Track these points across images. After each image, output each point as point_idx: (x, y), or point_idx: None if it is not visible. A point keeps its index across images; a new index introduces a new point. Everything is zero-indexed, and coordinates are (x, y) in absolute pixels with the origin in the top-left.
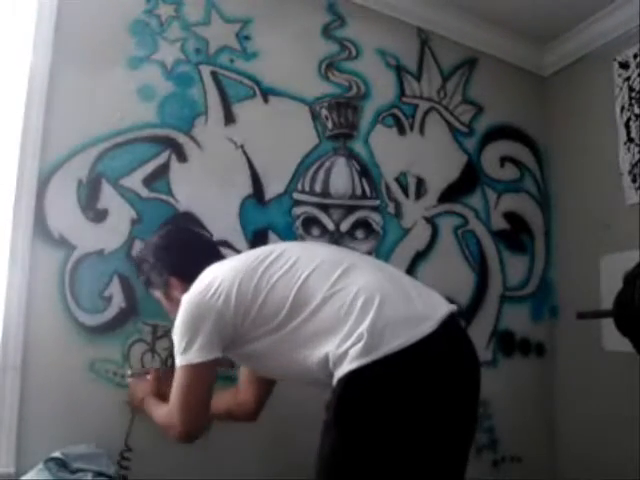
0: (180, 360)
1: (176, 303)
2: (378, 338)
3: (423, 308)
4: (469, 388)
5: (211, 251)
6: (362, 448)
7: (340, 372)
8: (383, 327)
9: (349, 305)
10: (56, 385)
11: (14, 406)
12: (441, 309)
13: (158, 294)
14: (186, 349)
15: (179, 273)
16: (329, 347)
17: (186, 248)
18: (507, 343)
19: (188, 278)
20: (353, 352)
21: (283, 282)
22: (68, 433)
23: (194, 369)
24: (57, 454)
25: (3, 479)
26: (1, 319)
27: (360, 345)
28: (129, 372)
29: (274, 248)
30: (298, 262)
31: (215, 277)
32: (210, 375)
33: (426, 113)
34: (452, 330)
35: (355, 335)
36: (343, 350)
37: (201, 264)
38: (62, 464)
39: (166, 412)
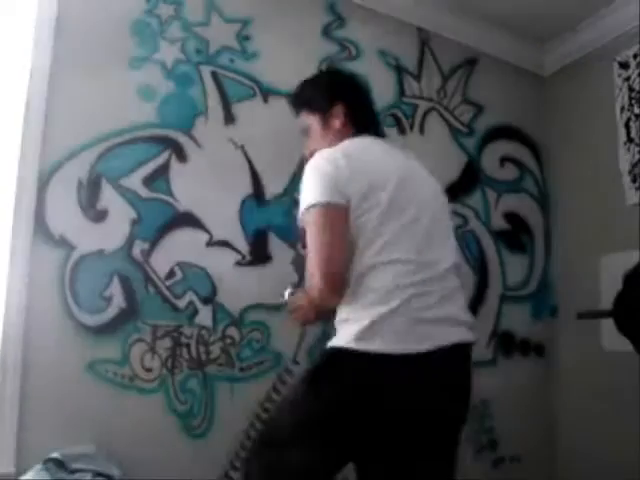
0: (304, 205)
1: (328, 134)
2: (380, 331)
3: (447, 311)
4: (439, 429)
5: (374, 110)
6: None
7: (334, 340)
8: (391, 323)
9: (385, 285)
10: (56, 385)
11: (14, 406)
12: (456, 334)
13: (312, 120)
14: (309, 194)
15: (350, 103)
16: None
17: (360, 89)
18: (507, 343)
19: (354, 113)
20: (352, 330)
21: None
22: (68, 433)
23: (319, 210)
24: (56, 455)
25: (3, 479)
26: (1, 319)
27: (362, 327)
28: (288, 291)
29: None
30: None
31: (352, 159)
32: (339, 217)
33: (426, 113)
34: (450, 361)
35: (366, 314)
36: (347, 317)
37: (367, 110)
38: (61, 464)
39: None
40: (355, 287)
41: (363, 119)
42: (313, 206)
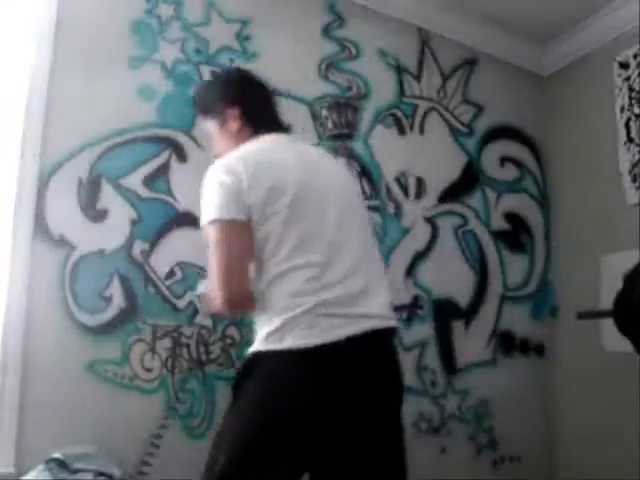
0: (204, 219)
1: (227, 138)
2: (290, 330)
3: (359, 309)
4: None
5: (273, 101)
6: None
7: (250, 348)
8: (300, 322)
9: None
10: (56, 385)
11: (14, 406)
12: (369, 323)
13: (211, 124)
14: (209, 209)
15: (244, 106)
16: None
17: (255, 86)
18: (507, 343)
19: (250, 114)
20: (263, 333)
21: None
22: (68, 433)
23: (218, 228)
24: (57, 454)
25: (3, 479)
26: (1, 319)
27: (271, 329)
28: (203, 284)
29: (305, 183)
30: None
31: (248, 164)
32: (238, 235)
33: (426, 113)
34: (365, 349)
35: (276, 317)
36: (261, 320)
37: (264, 107)
38: (62, 464)
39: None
40: (266, 295)
41: (261, 119)
42: (212, 222)
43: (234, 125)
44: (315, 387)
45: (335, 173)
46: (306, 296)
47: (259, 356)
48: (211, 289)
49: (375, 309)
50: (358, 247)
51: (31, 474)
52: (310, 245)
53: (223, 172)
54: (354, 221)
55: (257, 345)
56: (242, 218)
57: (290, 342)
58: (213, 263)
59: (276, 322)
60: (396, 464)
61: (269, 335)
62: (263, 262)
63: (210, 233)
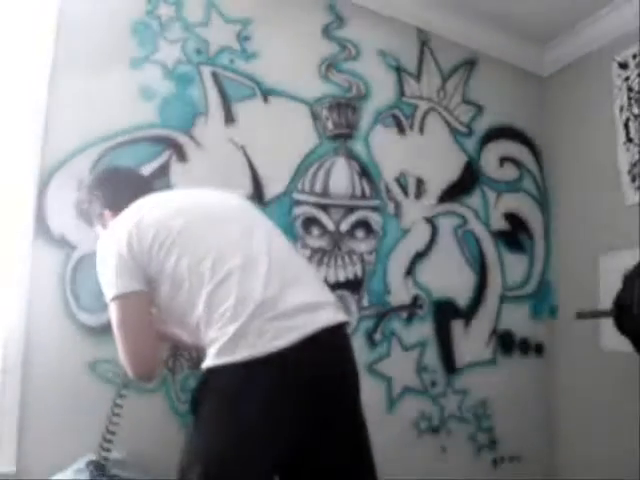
0: (105, 295)
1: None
2: (239, 341)
3: (303, 314)
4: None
5: (141, 185)
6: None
7: (204, 363)
8: (248, 332)
9: (231, 307)
10: (57, 385)
11: (15, 406)
12: (321, 319)
13: (99, 229)
14: (107, 284)
15: (110, 206)
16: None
17: (116, 183)
18: (507, 343)
19: (119, 210)
20: (213, 349)
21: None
22: (68, 433)
23: (119, 304)
24: (98, 457)
25: (4, 479)
26: (2, 319)
27: (220, 344)
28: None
29: (188, 209)
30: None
31: (129, 221)
32: (139, 307)
33: (426, 113)
34: (321, 343)
35: (222, 332)
36: (210, 339)
37: (130, 197)
38: (101, 468)
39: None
40: (208, 318)
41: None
42: (112, 300)
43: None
44: (273, 394)
45: (224, 201)
46: (240, 308)
47: (213, 371)
48: (121, 359)
49: (315, 298)
50: (274, 249)
51: (69, 472)
52: (227, 256)
53: (116, 241)
54: (257, 227)
55: (210, 360)
56: (141, 288)
57: (244, 353)
58: (119, 338)
59: (224, 337)
60: (363, 455)
61: (221, 349)
62: (192, 293)
63: (112, 310)
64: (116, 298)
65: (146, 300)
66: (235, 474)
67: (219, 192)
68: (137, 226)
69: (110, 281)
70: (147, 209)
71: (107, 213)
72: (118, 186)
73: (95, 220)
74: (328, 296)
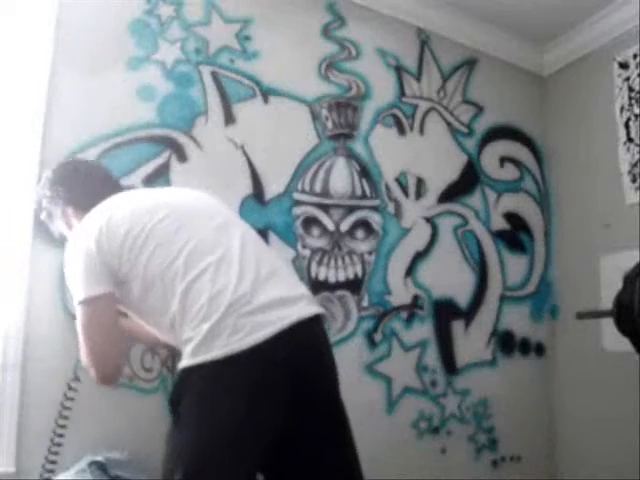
0: (73, 296)
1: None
2: (214, 339)
3: (277, 310)
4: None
5: (105, 181)
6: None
7: (181, 363)
8: (223, 328)
9: (204, 304)
10: (56, 385)
11: (14, 405)
12: (295, 312)
13: (61, 227)
14: (75, 285)
15: (74, 203)
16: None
17: (80, 179)
18: (507, 343)
19: (83, 207)
20: (189, 349)
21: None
22: (68, 433)
23: (85, 309)
24: (100, 458)
25: (3, 479)
26: (2, 318)
27: (196, 343)
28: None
29: (161, 205)
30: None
31: (100, 218)
32: (107, 310)
33: (426, 113)
34: (298, 336)
35: (197, 330)
36: (185, 339)
37: (95, 194)
38: (103, 468)
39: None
40: (182, 315)
41: (93, 201)
42: (80, 303)
43: (76, 222)
44: (251, 391)
45: (195, 200)
46: (218, 299)
47: (190, 371)
48: (86, 363)
49: (290, 292)
50: (248, 246)
51: (72, 471)
52: (201, 252)
53: (85, 238)
54: (234, 225)
55: (185, 360)
56: (110, 290)
57: (219, 351)
58: (85, 342)
59: (199, 335)
60: (346, 449)
61: (196, 348)
62: (165, 291)
63: (78, 313)
64: (84, 301)
65: (114, 302)
66: (216, 474)
67: (194, 191)
68: (108, 222)
69: (78, 283)
70: (119, 206)
71: (70, 211)
72: (82, 182)
73: (56, 218)
74: (303, 290)
